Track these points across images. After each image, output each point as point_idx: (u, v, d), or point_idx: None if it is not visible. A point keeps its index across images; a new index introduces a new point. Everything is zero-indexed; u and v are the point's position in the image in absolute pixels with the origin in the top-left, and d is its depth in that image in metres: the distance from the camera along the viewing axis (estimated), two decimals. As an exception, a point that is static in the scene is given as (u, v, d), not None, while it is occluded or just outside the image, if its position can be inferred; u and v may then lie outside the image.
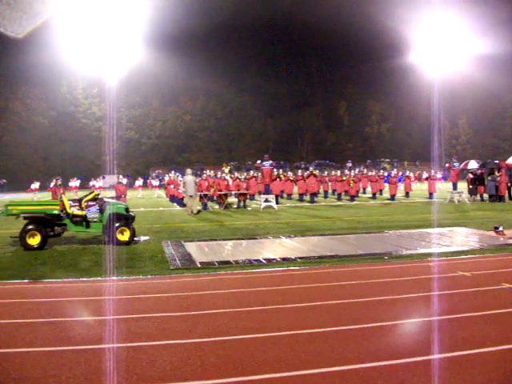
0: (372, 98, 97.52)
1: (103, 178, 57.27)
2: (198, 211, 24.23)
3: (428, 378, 4.80)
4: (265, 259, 11.09)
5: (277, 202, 27.18)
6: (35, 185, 44.54)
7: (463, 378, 4.80)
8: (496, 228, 14.88)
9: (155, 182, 48.99)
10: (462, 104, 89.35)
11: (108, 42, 48.84)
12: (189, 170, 24.85)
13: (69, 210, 14.15)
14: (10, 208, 13.76)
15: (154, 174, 66.51)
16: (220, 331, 6.29)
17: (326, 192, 35.08)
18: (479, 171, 31.43)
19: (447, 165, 33.59)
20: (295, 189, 34.15)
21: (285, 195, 34.31)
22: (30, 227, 13.11)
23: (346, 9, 77.54)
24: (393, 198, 31.54)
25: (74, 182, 46.00)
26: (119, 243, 13.41)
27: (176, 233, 16.44)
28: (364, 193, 38.09)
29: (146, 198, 39.85)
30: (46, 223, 13.64)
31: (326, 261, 10.88)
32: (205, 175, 29.42)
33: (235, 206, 27.43)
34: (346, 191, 32.58)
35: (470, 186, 31.13)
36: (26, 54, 59.37)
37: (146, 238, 15.06)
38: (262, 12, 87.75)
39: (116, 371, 5.07)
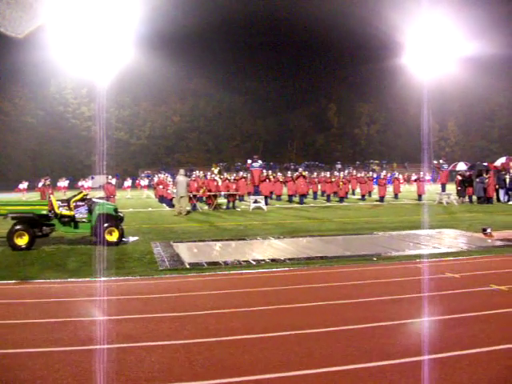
0: (361, 99, 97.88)
1: (92, 178, 57.09)
2: (188, 212, 24.19)
3: (417, 379, 4.82)
4: (254, 260, 11.09)
5: (266, 203, 27.19)
6: (23, 185, 44.33)
7: (452, 379, 4.82)
8: (484, 230, 14.96)
9: (144, 182, 48.79)
10: (451, 106, 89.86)
11: (97, 42, 48.64)
12: (181, 171, 24.79)
13: (57, 210, 14.08)
14: (-3, 208, 13.69)
15: (143, 175, 66.27)
16: (208, 332, 6.28)
17: (315, 193, 35.07)
18: (468, 173, 31.57)
19: (435, 162, 33.79)
20: (284, 190, 34.17)
21: (274, 196, 34.31)
22: (18, 227, 13.03)
23: (336, 11, 77.78)
24: (382, 199, 31.62)
25: (63, 182, 45.84)
26: (108, 244, 13.34)
27: (165, 233, 16.40)
28: (353, 194, 38.14)
29: (135, 199, 39.70)
30: (34, 223, 13.57)
31: (315, 262, 10.90)
32: (194, 176, 29.37)
33: (224, 207, 27.40)
34: (335, 192, 32.62)
35: (459, 188, 31.24)
36: (14, 53, 59.03)
37: (135, 238, 15.02)
38: (252, 13, 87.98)
39: (104, 372, 5.05)
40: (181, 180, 23.81)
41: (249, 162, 28.50)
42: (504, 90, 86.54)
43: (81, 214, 14.33)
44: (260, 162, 27.97)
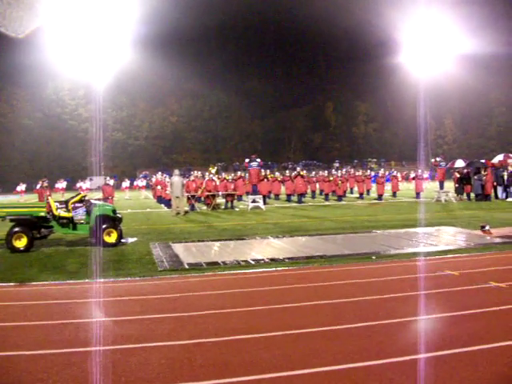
0: (359, 98, 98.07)
1: (90, 179, 57.04)
2: (186, 212, 24.19)
3: (416, 377, 4.82)
4: (253, 260, 11.08)
5: (264, 203, 27.17)
6: (21, 187, 44.37)
7: (451, 377, 4.82)
8: (482, 227, 14.97)
9: (141, 183, 48.76)
10: (448, 104, 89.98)
11: (95, 43, 48.59)
12: (176, 171, 24.84)
13: (55, 212, 14.07)
14: (-5, 210, 13.68)
15: (140, 175, 66.25)
16: (208, 332, 6.27)
17: (313, 192, 35.10)
18: (465, 170, 31.59)
19: (433, 160, 33.91)
20: (283, 189, 34.17)
21: (272, 196, 34.30)
22: (17, 229, 13.03)
23: (332, 10, 77.69)
24: (380, 197, 31.63)
25: (61, 184, 45.73)
26: (106, 245, 13.35)
27: (164, 234, 16.38)
28: (351, 193, 38.14)
29: (133, 199, 39.70)
30: (33, 225, 13.56)
31: (314, 261, 10.89)
32: (192, 176, 29.36)
33: (223, 207, 27.39)
34: (333, 191, 32.62)
35: (457, 185, 31.29)
36: (11, 55, 58.96)
37: (134, 239, 15.01)
38: (249, 13, 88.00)
39: (104, 374, 5.04)
40: (176, 180, 23.84)
41: (246, 161, 28.40)
42: (501, 88, 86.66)
43: (79, 215, 14.31)
44: (258, 160, 27.87)
